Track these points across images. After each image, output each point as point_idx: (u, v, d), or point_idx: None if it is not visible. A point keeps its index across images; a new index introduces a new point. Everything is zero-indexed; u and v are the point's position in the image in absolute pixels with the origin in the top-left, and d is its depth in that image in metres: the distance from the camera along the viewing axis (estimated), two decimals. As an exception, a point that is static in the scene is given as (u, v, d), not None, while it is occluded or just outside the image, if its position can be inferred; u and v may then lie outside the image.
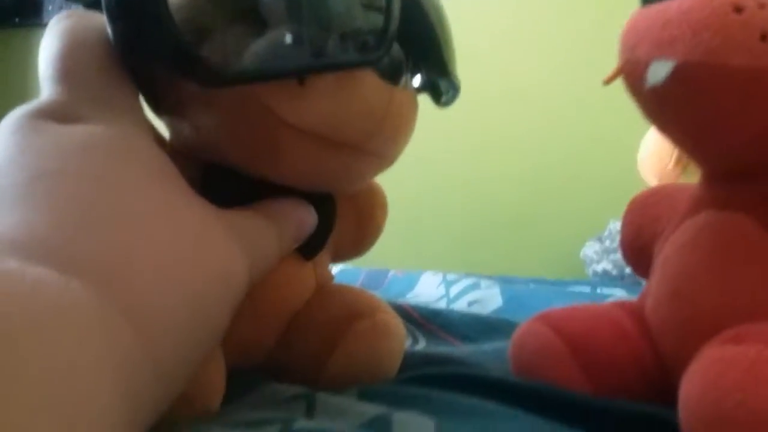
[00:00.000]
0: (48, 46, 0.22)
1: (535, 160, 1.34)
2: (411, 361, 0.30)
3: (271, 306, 0.28)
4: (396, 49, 0.26)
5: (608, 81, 0.26)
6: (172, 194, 0.20)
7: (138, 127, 0.21)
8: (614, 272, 0.99)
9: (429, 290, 0.64)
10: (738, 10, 0.21)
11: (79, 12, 0.23)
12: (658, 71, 0.22)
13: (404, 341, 0.30)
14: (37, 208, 0.16)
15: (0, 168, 0.18)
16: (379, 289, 0.68)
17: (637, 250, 0.32)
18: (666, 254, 0.27)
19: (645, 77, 0.23)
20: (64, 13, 0.22)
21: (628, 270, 0.95)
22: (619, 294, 0.76)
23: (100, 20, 0.22)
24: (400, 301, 0.54)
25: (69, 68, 0.21)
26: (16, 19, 1.67)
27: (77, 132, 0.19)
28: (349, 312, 0.28)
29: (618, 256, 1.00)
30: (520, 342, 0.30)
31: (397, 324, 0.29)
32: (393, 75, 0.26)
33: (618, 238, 1.00)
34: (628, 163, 0.79)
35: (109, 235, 0.17)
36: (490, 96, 1.34)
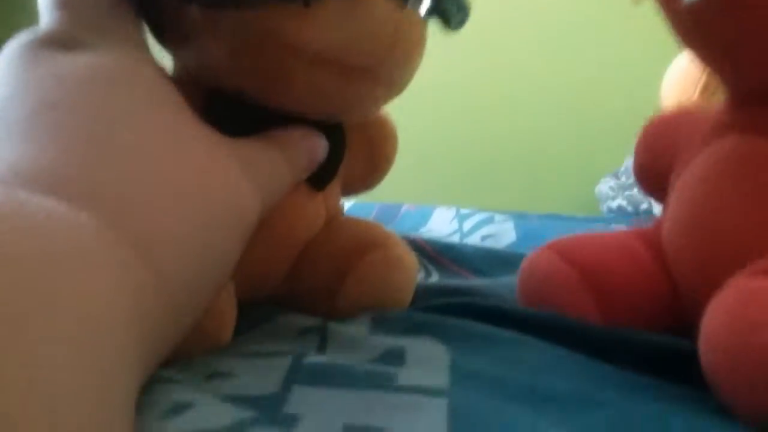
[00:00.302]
0: None
1: (551, 94, 1.31)
2: (424, 293, 0.30)
3: (281, 237, 0.28)
4: None
5: None
6: (178, 123, 0.19)
7: (140, 54, 0.21)
8: (629, 208, 0.98)
9: (442, 225, 0.64)
10: None
11: None
12: None
13: (416, 273, 0.29)
14: (42, 141, 0.16)
15: (2, 101, 0.17)
16: (392, 223, 0.68)
17: (653, 175, 0.31)
18: (686, 179, 0.25)
19: None
20: None
21: (643, 206, 0.94)
22: (634, 230, 0.75)
23: None
24: (413, 235, 0.54)
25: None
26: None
27: (78, 61, 0.18)
28: (361, 243, 0.28)
29: (633, 191, 0.99)
30: (529, 269, 0.30)
31: (410, 256, 0.29)
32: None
33: None
34: (647, 97, 0.77)
35: (115, 166, 0.16)
36: (506, 27, 1.30)
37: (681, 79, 0.63)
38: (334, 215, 0.30)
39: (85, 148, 0.16)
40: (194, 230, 0.17)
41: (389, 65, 0.25)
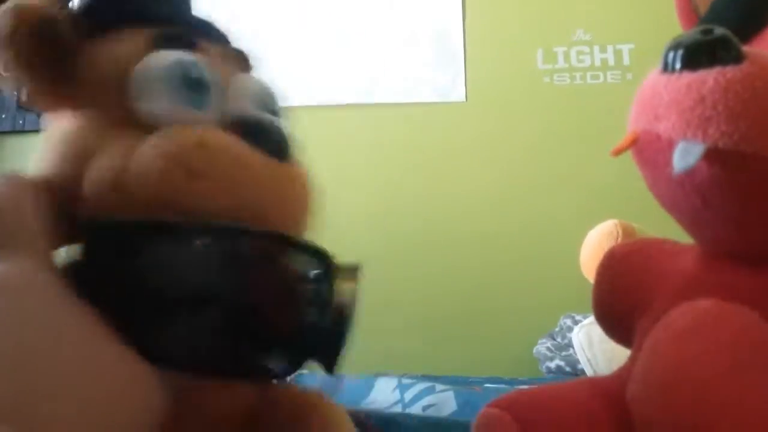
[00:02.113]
0: None
1: (487, 259, 1.37)
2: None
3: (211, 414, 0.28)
4: (281, 128, 0.28)
5: (618, 151, 0.24)
6: (70, 320, 0.21)
7: (41, 262, 0.22)
8: (568, 368, 1.01)
9: (384, 395, 0.64)
10: None
11: (17, 176, 0.25)
12: (688, 156, 0.20)
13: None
14: None
15: None
16: (334, 395, 0.67)
17: (615, 317, 0.30)
18: (658, 337, 0.23)
19: (671, 157, 0.21)
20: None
21: (580, 366, 0.96)
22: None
23: (32, 179, 0.25)
24: (354, 409, 0.54)
25: None
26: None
27: None
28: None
29: (570, 351, 1.01)
30: (482, 429, 0.27)
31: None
32: (280, 154, 0.27)
33: (569, 334, 1.00)
34: (578, 261, 0.83)
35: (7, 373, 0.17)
36: (448, 197, 1.39)
37: (596, 251, 0.68)
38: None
39: None
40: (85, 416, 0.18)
41: (281, 215, 0.27)
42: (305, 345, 0.25)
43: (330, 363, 0.28)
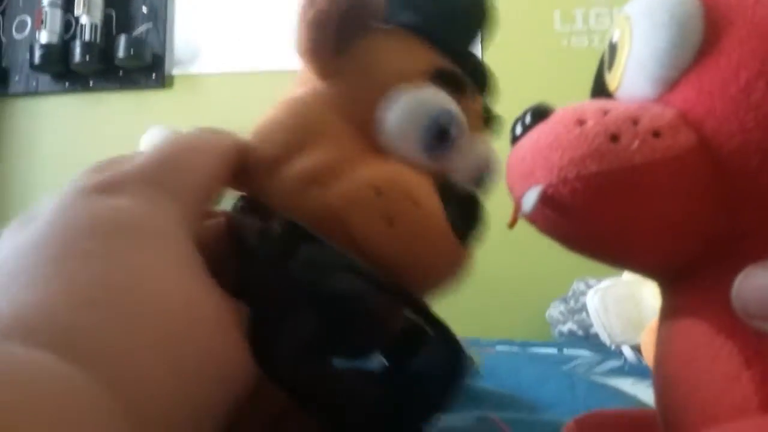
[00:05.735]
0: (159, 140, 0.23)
1: (500, 223, 1.37)
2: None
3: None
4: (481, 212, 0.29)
5: (511, 224, 0.27)
6: (190, 283, 0.20)
7: (176, 210, 0.22)
8: (580, 332, 1.01)
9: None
10: (581, 122, 0.22)
11: (211, 131, 0.25)
12: (527, 201, 0.23)
13: None
14: (56, 290, 0.17)
15: (36, 241, 0.18)
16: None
17: None
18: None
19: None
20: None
21: (593, 330, 0.97)
22: (584, 354, 0.77)
23: (225, 139, 0.25)
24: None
25: (155, 155, 0.22)
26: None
27: (112, 207, 0.20)
28: None
29: (583, 315, 1.02)
30: None
31: None
32: (465, 235, 0.28)
33: (582, 298, 0.99)
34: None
35: (119, 322, 0.17)
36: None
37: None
38: None
39: (94, 301, 0.17)
40: (186, 396, 0.18)
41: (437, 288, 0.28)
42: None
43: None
